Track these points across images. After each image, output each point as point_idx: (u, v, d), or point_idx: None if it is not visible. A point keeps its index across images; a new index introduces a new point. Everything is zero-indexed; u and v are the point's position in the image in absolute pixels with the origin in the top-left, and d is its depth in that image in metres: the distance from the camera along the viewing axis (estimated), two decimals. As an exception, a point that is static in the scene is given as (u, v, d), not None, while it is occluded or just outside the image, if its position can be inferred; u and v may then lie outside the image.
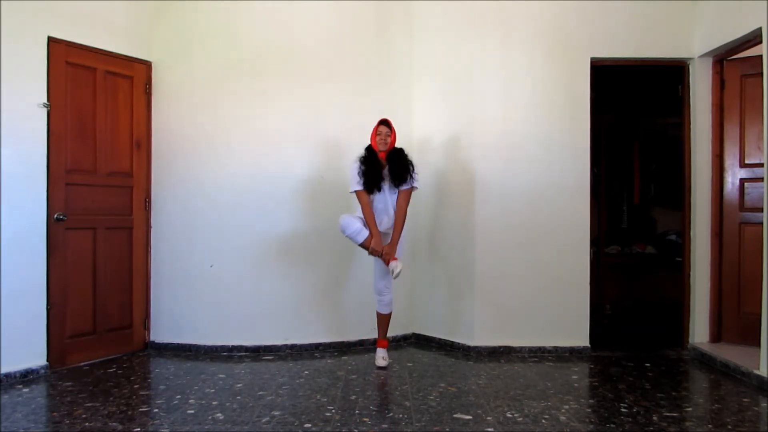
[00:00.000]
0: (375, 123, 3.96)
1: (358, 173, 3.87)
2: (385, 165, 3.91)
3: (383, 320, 4.05)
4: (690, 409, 3.23)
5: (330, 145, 4.49)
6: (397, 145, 3.98)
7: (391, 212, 3.93)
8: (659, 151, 5.75)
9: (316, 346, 4.45)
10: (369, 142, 3.95)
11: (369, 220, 3.86)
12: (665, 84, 4.73)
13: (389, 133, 3.89)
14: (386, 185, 3.90)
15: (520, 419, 2.98)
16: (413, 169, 3.95)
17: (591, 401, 3.39)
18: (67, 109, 3.97)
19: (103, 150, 4.21)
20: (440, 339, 4.63)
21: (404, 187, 3.91)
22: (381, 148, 3.88)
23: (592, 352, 4.35)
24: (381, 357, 3.98)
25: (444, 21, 4.62)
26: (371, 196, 3.89)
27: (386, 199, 3.91)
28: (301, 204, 4.47)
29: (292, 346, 4.43)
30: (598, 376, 3.87)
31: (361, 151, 3.96)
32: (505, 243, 4.38)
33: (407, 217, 4.00)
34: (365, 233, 3.83)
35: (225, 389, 3.50)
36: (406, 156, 3.96)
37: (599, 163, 5.38)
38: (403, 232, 3.95)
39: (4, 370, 3.59)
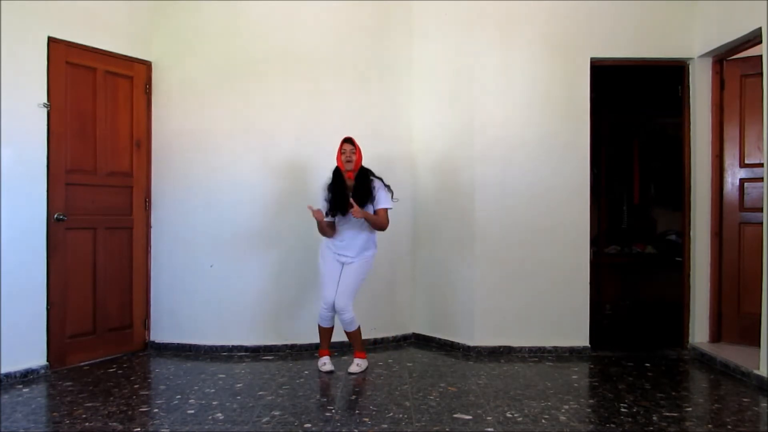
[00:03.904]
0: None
1: (324, 199, 3.82)
2: (352, 188, 3.79)
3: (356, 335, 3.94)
4: (690, 409, 3.23)
5: (330, 144, 4.47)
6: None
7: (361, 236, 3.81)
8: (659, 151, 5.75)
9: (316, 346, 4.44)
10: (335, 161, 3.84)
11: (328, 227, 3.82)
12: (665, 84, 4.73)
13: (354, 151, 3.78)
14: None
15: (520, 419, 2.98)
16: (380, 192, 3.80)
17: (591, 401, 3.39)
18: (67, 109, 3.97)
19: (103, 150, 4.21)
20: (440, 339, 4.63)
21: (379, 207, 3.79)
22: (347, 167, 3.77)
23: (592, 352, 4.35)
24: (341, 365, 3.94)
25: (444, 21, 4.61)
26: (338, 218, 3.80)
27: (354, 223, 3.78)
28: (301, 204, 4.46)
29: (292, 346, 4.44)
30: (598, 376, 3.87)
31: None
32: (505, 243, 4.38)
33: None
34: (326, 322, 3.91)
35: (225, 389, 3.50)
36: (370, 180, 3.82)
37: (599, 163, 5.38)
38: (368, 225, 3.82)
39: (4, 370, 3.58)
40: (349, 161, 3.77)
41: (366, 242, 3.86)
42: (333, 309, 3.85)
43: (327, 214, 3.80)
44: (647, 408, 3.15)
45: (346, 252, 3.85)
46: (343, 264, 3.85)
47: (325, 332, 3.95)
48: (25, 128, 3.72)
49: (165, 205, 4.53)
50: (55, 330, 3.90)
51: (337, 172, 3.85)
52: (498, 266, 4.38)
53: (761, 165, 3.92)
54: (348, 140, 3.82)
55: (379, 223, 3.82)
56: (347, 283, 3.82)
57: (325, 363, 3.90)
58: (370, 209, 3.79)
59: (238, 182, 4.43)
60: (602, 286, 5.36)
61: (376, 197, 3.80)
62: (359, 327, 3.91)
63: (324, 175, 4.46)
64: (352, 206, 3.68)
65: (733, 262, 4.27)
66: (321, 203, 3.84)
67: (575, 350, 4.35)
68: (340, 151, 3.81)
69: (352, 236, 3.83)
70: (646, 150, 5.83)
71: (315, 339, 4.33)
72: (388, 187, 3.87)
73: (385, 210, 3.82)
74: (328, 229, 3.85)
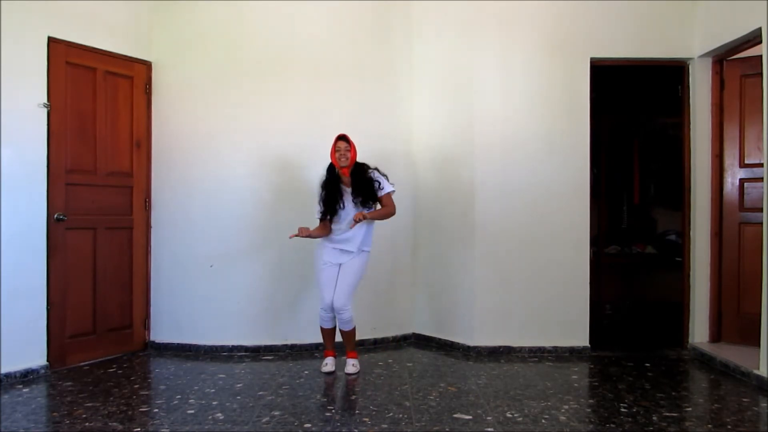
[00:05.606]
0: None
1: (319, 201, 3.83)
2: (349, 183, 3.80)
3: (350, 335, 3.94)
4: (690, 409, 3.23)
5: (330, 145, 4.48)
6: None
7: (361, 230, 3.82)
8: (659, 151, 5.75)
9: (316, 346, 4.44)
10: (330, 158, 3.84)
11: (315, 232, 3.82)
12: (665, 84, 4.73)
13: (348, 149, 3.77)
14: (350, 203, 3.78)
15: (520, 419, 2.98)
16: (380, 179, 3.83)
17: (591, 401, 3.39)
18: (67, 109, 3.97)
19: (103, 150, 4.22)
20: (440, 339, 4.63)
21: (381, 193, 3.82)
22: (342, 164, 3.77)
23: (591, 352, 4.35)
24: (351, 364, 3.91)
25: (444, 21, 4.61)
26: (338, 215, 3.80)
27: (350, 215, 3.78)
28: (301, 204, 4.46)
29: (292, 346, 4.44)
30: (598, 376, 3.87)
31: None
32: (505, 243, 4.37)
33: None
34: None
35: (225, 389, 3.50)
36: (368, 173, 3.82)
37: (599, 163, 5.38)
38: (374, 224, 3.89)
39: (4, 370, 3.59)
40: (345, 158, 3.77)
41: (365, 236, 3.86)
42: (332, 310, 3.84)
43: (323, 215, 3.82)
44: (647, 408, 3.15)
45: (347, 246, 3.82)
46: (340, 265, 3.84)
47: (328, 333, 3.94)
48: (25, 128, 3.72)
49: (165, 205, 4.53)
50: (55, 330, 3.90)
51: (332, 169, 3.86)
52: (498, 266, 4.38)
53: (761, 165, 3.92)
54: (342, 137, 3.83)
55: (387, 212, 3.86)
56: (346, 283, 3.81)
57: (327, 364, 3.90)
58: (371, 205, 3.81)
59: (238, 182, 4.43)
60: (602, 286, 5.36)
61: (381, 185, 3.82)
62: (355, 327, 3.90)
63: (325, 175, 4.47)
64: (359, 219, 3.70)
65: (733, 262, 4.27)
66: (316, 205, 3.85)
67: (575, 350, 4.35)
68: (335, 149, 3.81)
69: (353, 230, 3.80)
70: (646, 150, 5.82)
71: (315, 339, 4.35)
72: (385, 175, 3.88)
73: (389, 195, 3.85)
74: (323, 231, 3.85)
